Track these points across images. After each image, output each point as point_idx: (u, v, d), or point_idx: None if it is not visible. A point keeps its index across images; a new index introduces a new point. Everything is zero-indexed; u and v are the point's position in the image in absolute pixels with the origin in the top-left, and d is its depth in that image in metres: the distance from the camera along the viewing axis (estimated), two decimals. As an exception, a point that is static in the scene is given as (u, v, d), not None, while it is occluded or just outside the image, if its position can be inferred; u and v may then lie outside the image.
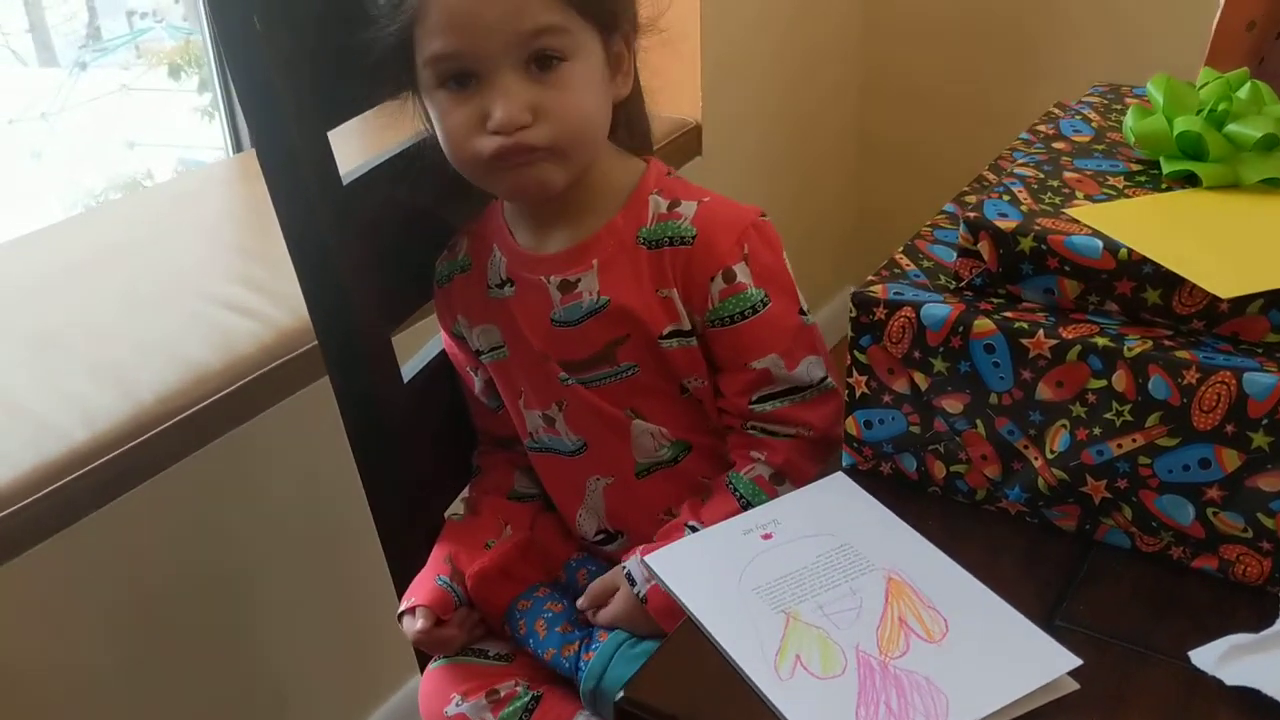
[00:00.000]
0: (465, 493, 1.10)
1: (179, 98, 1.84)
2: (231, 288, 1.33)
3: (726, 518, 0.83)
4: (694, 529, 0.92)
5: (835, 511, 0.81)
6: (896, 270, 0.83)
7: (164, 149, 1.93)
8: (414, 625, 0.98)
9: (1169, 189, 0.84)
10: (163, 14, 1.88)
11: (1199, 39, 1.07)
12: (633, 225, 0.93)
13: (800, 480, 0.93)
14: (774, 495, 0.93)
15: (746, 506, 0.92)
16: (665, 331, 0.93)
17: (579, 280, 0.93)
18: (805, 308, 0.95)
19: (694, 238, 0.91)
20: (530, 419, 1.01)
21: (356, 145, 1.43)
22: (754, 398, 0.94)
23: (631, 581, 0.92)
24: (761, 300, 0.92)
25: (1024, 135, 1.00)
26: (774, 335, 0.92)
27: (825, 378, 0.95)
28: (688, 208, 0.93)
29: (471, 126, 0.88)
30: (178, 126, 1.88)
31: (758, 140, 2.13)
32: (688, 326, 0.93)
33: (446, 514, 1.08)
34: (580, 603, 0.97)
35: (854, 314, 0.81)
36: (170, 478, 1.19)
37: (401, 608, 1.00)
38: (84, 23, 1.81)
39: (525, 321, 0.97)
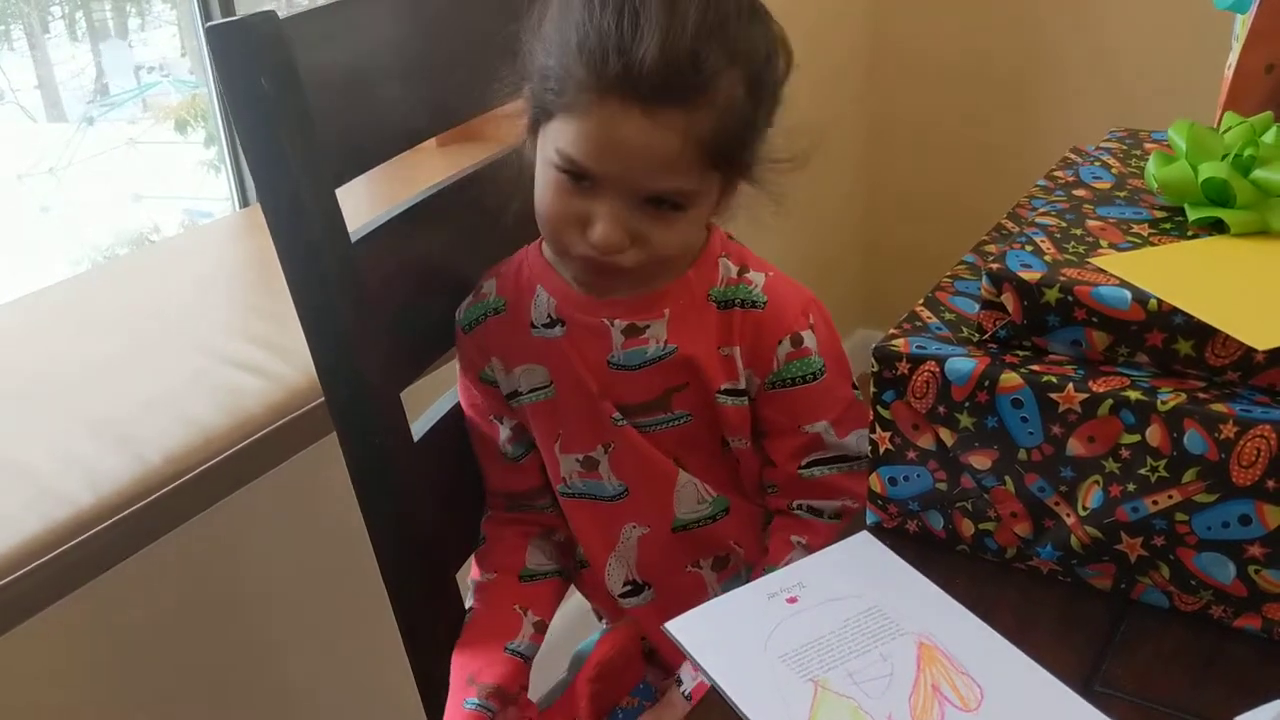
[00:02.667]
0: (474, 569, 1.07)
1: (185, 151, 1.84)
2: (238, 344, 1.31)
3: None
4: None
5: (861, 573, 0.78)
6: (918, 323, 0.81)
7: (170, 201, 1.93)
8: None
9: (1195, 236, 0.82)
10: (169, 68, 1.88)
11: (1196, 83, 1.06)
12: (704, 283, 0.94)
13: None
14: None
15: None
16: (722, 387, 0.93)
17: (648, 327, 0.93)
18: (856, 384, 0.97)
19: (765, 304, 0.93)
20: (565, 463, 0.99)
21: (365, 195, 1.43)
22: (803, 463, 0.95)
23: (679, 683, 0.91)
24: (821, 369, 0.93)
25: (1041, 182, 0.98)
26: (828, 403, 0.94)
27: None
28: (757, 277, 0.94)
29: (570, 219, 0.87)
30: (184, 180, 1.88)
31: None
32: (742, 386, 0.94)
33: (465, 604, 1.05)
34: None
35: (876, 369, 0.79)
36: (177, 539, 1.16)
37: None
38: (92, 78, 1.81)
39: (579, 361, 0.95)
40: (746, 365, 0.93)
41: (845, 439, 0.94)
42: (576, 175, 0.85)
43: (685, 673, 0.94)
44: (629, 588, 1.01)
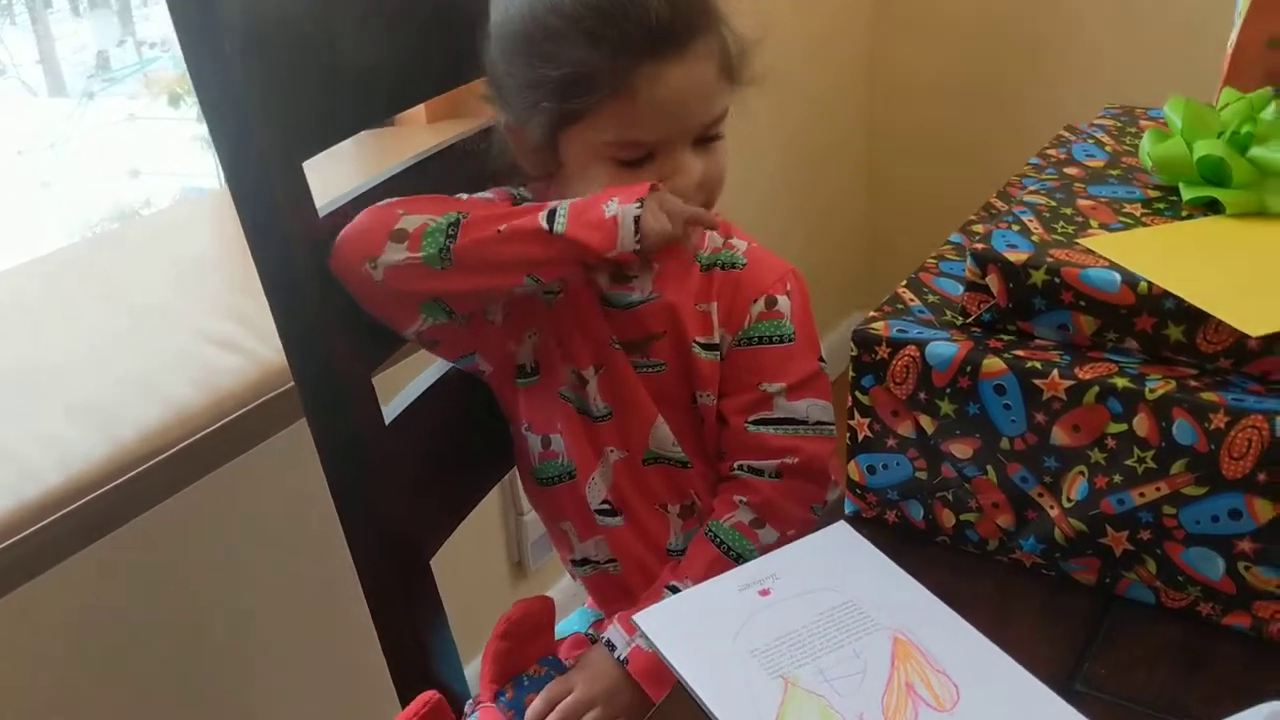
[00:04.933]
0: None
1: (182, 126, 1.82)
2: (217, 322, 1.29)
3: (707, 568, 0.80)
4: (674, 589, 0.91)
5: (837, 565, 0.76)
6: (900, 305, 0.79)
7: (168, 178, 1.92)
8: None
9: (1190, 216, 0.79)
10: (171, 44, 1.86)
11: (1197, 61, 1.02)
12: (692, 249, 0.96)
13: (780, 522, 0.93)
14: (755, 540, 0.93)
15: (728, 552, 0.92)
16: (697, 339, 0.95)
17: (634, 278, 0.95)
18: (824, 358, 0.97)
19: (745, 265, 0.96)
20: (565, 372, 0.99)
21: (352, 170, 1.40)
22: (750, 419, 0.95)
23: (611, 647, 0.88)
24: (790, 335, 0.95)
25: (1034, 160, 0.95)
26: (789, 368, 0.95)
27: (826, 423, 0.95)
28: (740, 243, 0.98)
29: None
30: (181, 155, 1.86)
31: (767, 179, 2.09)
32: (716, 340, 0.95)
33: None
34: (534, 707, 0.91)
35: (855, 353, 0.76)
36: (151, 519, 1.14)
37: None
38: (93, 53, 1.79)
39: (576, 286, 0.96)
40: (722, 323, 0.95)
41: (795, 404, 0.94)
42: (633, 154, 0.87)
43: (617, 636, 0.91)
44: (606, 506, 1.01)
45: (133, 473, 1.11)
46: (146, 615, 1.20)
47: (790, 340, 0.94)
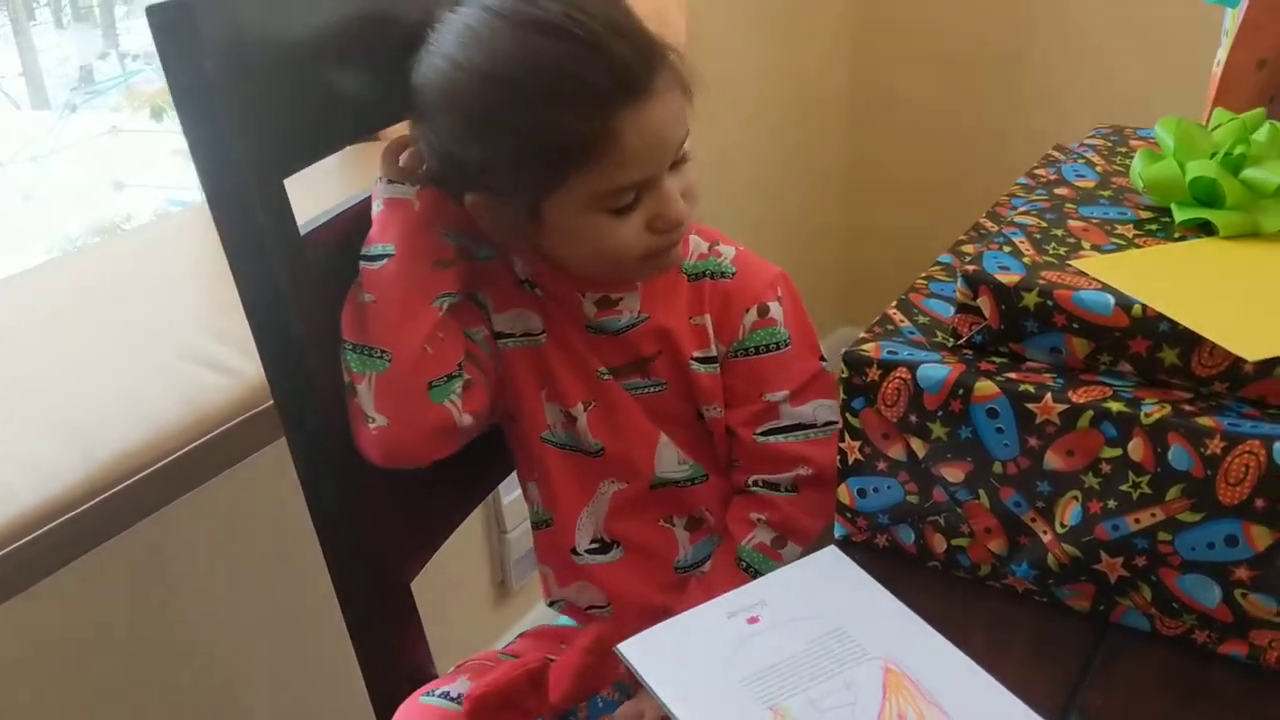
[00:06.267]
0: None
1: (165, 139, 1.81)
2: (198, 338, 1.27)
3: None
4: None
5: (827, 591, 0.74)
6: (890, 327, 0.77)
7: (152, 190, 1.90)
8: None
9: (1183, 238, 0.78)
10: (153, 57, 1.85)
11: (1183, 81, 1.02)
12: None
13: (802, 538, 0.93)
14: (780, 560, 0.93)
15: (755, 576, 0.90)
16: (695, 355, 0.95)
17: (620, 300, 0.94)
18: (824, 356, 0.97)
19: (734, 274, 0.95)
20: (550, 412, 0.98)
21: (337, 181, 1.38)
22: (758, 430, 0.95)
23: None
24: (786, 340, 0.95)
25: (1022, 180, 0.95)
26: (790, 374, 0.95)
27: (834, 422, 0.93)
28: (726, 250, 0.97)
29: (635, 236, 0.88)
30: (165, 168, 1.85)
31: (745, 180, 2.09)
32: (714, 353, 0.95)
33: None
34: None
35: (845, 374, 0.75)
36: (130, 538, 1.13)
37: None
38: (76, 66, 1.78)
39: (563, 317, 0.96)
40: (715, 334, 0.95)
41: (800, 408, 0.95)
42: (624, 200, 0.86)
43: None
44: (596, 545, 1.00)
45: (109, 492, 1.09)
46: (124, 635, 1.18)
47: (786, 345, 0.94)
